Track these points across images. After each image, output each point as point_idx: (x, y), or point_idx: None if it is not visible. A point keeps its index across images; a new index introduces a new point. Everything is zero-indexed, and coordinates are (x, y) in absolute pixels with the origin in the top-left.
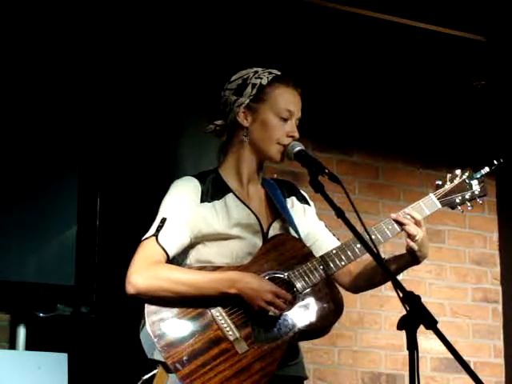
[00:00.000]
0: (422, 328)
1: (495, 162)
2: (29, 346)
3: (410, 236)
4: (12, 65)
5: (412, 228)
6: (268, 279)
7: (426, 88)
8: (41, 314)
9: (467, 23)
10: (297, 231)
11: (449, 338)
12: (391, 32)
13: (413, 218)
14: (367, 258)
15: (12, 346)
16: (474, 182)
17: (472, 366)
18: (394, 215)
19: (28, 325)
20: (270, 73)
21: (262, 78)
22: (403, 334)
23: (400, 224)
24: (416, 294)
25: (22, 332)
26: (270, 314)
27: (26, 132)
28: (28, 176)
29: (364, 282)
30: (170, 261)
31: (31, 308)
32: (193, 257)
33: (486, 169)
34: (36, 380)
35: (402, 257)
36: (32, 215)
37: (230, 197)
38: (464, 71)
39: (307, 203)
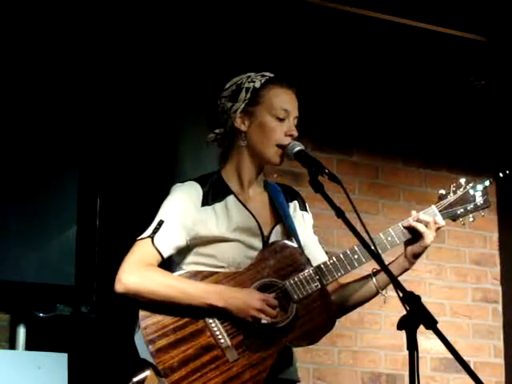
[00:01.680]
0: (422, 328)
1: (501, 174)
2: (29, 346)
3: (426, 241)
4: (12, 65)
5: (430, 234)
6: (264, 286)
7: (426, 88)
8: (41, 314)
9: (467, 23)
10: (297, 237)
11: (449, 338)
12: (391, 32)
13: (426, 223)
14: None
15: (12, 346)
16: (478, 194)
17: (472, 366)
18: (406, 223)
19: (28, 325)
20: (263, 75)
21: (255, 82)
22: (403, 334)
23: (414, 231)
24: (416, 294)
25: (21, 332)
26: (263, 321)
27: (27, 132)
28: (28, 176)
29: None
30: (168, 261)
31: (31, 308)
32: (191, 258)
33: (491, 180)
34: (36, 380)
35: (397, 266)
36: (32, 215)
37: (230, 199)
38: (464, 71)
39: (306, 211)
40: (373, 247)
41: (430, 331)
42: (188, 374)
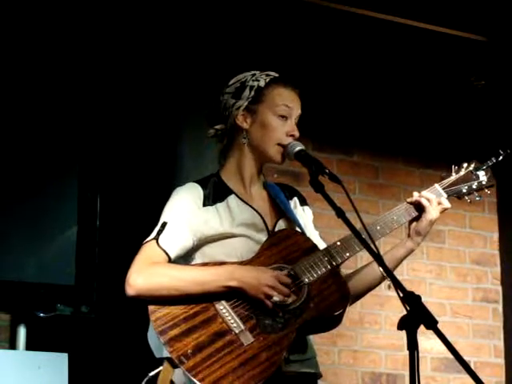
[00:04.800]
0: (422, 328)
1: (501, 152)
2: (29, 346)
3: (428, 216)
4: (12, 65)
5: (433, 210)
6: None
7: (425, 88)
8: (41, 314)
9: (467, 23)
10: (301, 229)
11: (449, 338)
12: (391, 32)
13: (428, 198)
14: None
15: (12, 346)
16: (481, 173)
17: (472, 366)
18: (409, 199)
19: (28, 325)
20: (268, 75)
21: (259, 81)
22: (403, 333)
23: (418, 206)
24: (416, 293)
25: (22, 332)
26: (275, 299)
27: (27, 132)
28: (28, 176)
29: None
30: (175, 263)
31: (31, 308)
32: (199, 257)
33: (493, 159)
34: (36, 380)
35: (398, 248)
36: (32, 215)
37: (232, 198)
38: (464, 71)
39: (307, 205)
40: (372, 246)
41: (431, 331)
42: (203, 360)
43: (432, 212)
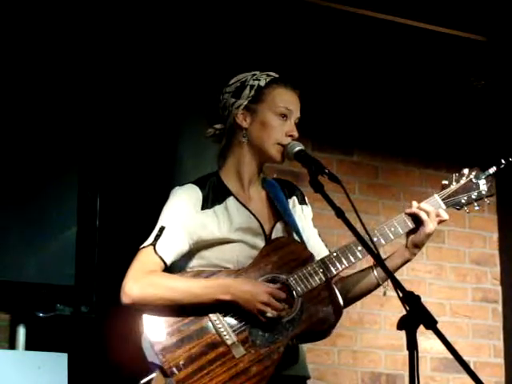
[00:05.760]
0: (421, 328)
1: (503, 161)
2: (29, 346)
3: (426, 229)
4: (12, 65)
5: (431, 223)
6: (267, 282)
7: (426, 88)
8: (41, 314)
9: (467, 23)
10: (299, 233)
11: (449, 338)
12: (391, 32)
13: (426, 212)
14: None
15: (12, 346)
16: (482, 182)
17: (472, 366)
18: (408, 210)
19: (28, 325)
20: (268, 75)
21: (260, 80)
22: (403, 334)
23: (416, 218)
24: (416, 293)
25: (21, 332)
26: (268, 315)
27: (26, 132)
28: (28, 176)
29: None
30: (172, 266)
31: (31, 308)
32: (196, 261)
33: (494, 168)
34: (36, 380)
35: (395, 257)
36: (32, 215)
37: (230, 200)
38: (464, 71)
39: (306, 204)
40: (372, 247)
41: (430, 331)
42: (194, 372)
43: (430, 225)
